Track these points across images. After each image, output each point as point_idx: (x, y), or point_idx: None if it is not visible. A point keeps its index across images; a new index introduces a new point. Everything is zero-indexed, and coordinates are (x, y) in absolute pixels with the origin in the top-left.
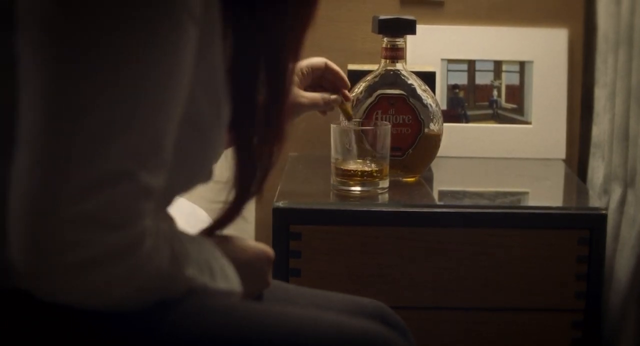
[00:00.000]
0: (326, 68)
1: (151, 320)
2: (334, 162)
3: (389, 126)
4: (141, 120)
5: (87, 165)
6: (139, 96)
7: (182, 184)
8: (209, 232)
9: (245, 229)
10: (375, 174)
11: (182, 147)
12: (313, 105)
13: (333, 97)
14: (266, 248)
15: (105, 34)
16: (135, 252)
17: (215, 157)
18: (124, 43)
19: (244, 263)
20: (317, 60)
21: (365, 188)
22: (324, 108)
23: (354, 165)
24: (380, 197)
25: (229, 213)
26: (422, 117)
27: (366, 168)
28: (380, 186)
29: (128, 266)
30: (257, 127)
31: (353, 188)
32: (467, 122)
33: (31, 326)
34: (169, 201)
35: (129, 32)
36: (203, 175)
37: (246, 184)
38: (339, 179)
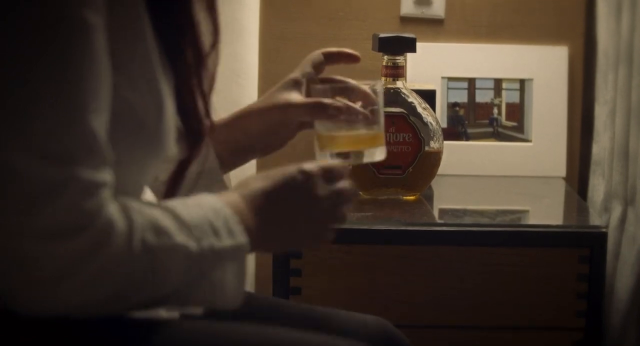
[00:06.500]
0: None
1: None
2: (318, 134)
3: (382, 83)
4: (63, 122)
5: (25, 180)
6: (54, 102)
7: (136, 179)
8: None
9: None
10: (368, 140)
11: (128, 143)
12: (307, 108)
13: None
14: (292, 170)
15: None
16: (109, 243)
17: (165, 153)
18: (17, 54)
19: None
20: (314, 54)
21: (357, 159)
22: (324, 113)
23: (344, 131)
24: (380, 213)
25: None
26: (422, 135)
27: (357, 132)
28: (376, 157)
29: (107, 259)
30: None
31: (344, 158)
32: (467, 140)
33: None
34: (135, 193)
35: (22, 41)
36: (157, 168)
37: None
38: (325, 150)
